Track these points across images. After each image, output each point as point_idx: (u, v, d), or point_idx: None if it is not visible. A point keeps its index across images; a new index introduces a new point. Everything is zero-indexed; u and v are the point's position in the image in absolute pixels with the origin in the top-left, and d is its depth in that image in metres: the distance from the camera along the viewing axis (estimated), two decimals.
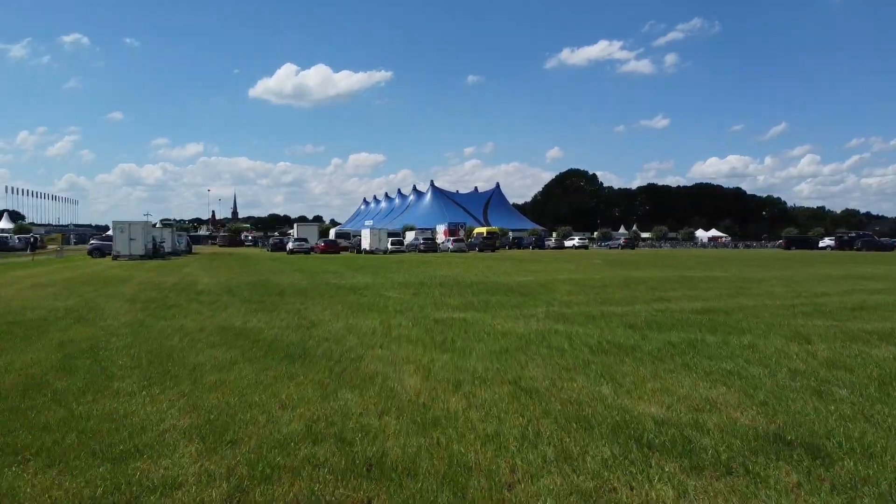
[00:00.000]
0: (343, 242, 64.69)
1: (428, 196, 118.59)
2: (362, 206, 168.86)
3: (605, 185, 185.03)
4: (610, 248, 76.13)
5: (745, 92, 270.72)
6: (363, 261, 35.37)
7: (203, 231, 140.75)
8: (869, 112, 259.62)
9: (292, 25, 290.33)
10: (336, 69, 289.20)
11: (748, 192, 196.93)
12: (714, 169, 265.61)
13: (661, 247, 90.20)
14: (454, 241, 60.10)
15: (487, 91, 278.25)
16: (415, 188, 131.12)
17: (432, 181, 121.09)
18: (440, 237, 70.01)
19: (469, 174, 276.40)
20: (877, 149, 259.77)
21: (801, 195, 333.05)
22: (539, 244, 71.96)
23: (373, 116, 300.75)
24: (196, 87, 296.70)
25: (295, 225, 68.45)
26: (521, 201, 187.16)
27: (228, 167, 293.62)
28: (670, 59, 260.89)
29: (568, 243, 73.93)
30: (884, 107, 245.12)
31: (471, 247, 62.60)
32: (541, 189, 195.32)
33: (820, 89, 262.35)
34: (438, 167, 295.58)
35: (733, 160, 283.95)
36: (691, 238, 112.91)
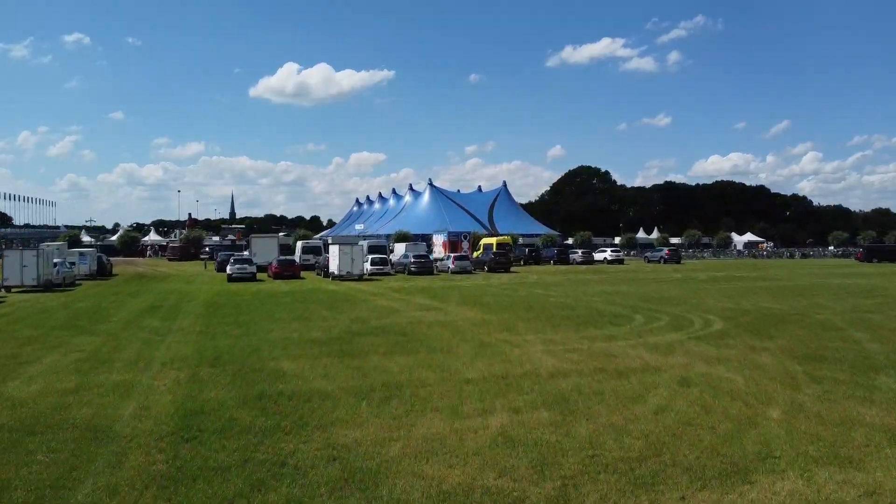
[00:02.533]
0: (311, 260, 49.04)
1: (426, 196, 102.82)
2: (355, 208, 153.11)
3: (617, 184, 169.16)
4: (648, 260, 60.42)
5: (748, 89, 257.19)
6: (286, 310, 19.82)
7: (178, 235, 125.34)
8: (871, 109, 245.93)
9: (294, 24, 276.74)
10: (338, 68, 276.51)
11: (772, 190, 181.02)
12: (716, 167, 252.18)
13: (702, 256, 74.28)
14: (456, 259, 44.30)
15: (489, 89, 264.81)
16: (411, 188, 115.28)
17: (430, 180, 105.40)
18: (438, 250, 54.33)
19: (470, 172, 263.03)
20: (879, 146, 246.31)
21: (803, 192, 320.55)
22: (563, 257, 56.24)
23: (374, 115, 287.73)
24: (197, 86, 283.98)
25: (250, 237, 52.50)
26: (524, 200, 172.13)
27: (230, 166, 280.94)
28: (673, 56, 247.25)
29: (598, 256, 58.11)
30: (886, 104, 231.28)
31: (478, 264, 46.88)
32: (548, 188, 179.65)
33: (823, 87, 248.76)
34: (440, 166, 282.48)
35: (735, 158, 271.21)
36: (727, 243, 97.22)
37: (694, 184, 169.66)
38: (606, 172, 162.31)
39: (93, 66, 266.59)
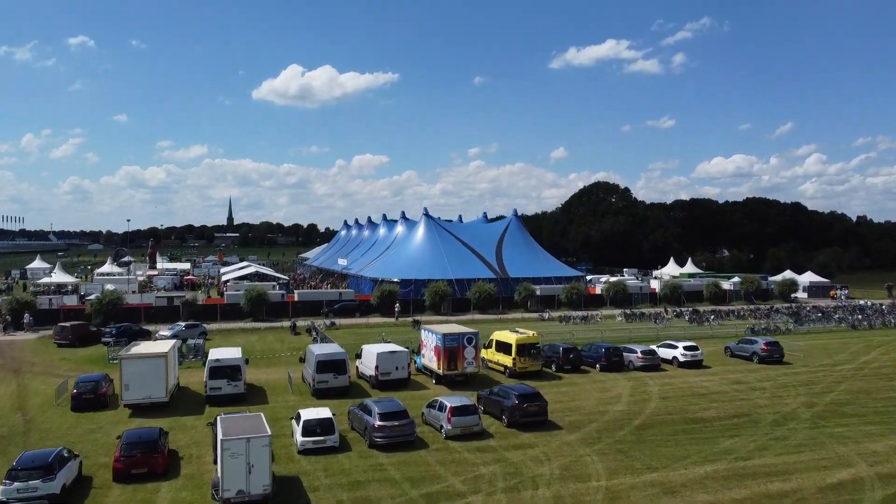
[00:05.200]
0: (221, 389, 30.19)
1: (420, 229, 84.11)
2: (343, 232, 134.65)
3: (636, 199, 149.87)
4: (732, 353, 41.72)
5: (753, 91, 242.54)
6: None
7: (134, 269, 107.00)
8: (876, 111, 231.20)
9: (298, 26, 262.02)
10: (342, 70, 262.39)
11: (808, 207, 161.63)
12: (719, 169, 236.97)
13: (787, 327, 55.36)
14: (455, 412, 25.24)
15: (493, 92, 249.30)
16: (403, 215, 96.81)
17: (426, 210, 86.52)
18: (428, 355, 35.57)
19: (473, 174, 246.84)
20: (883, 147, 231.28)
21: (806, 195, 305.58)
22: (614, 360, 37.41)
23: (378, 118, 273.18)
24: (201, 89, 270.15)
25: (120, 357, 32.21)
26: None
27: (232, 169, 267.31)
28: (678, 58, 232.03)
29: (665, 352, 39.27)
30: (891, 106, 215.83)
31: (492, 407, 28.02)
32: (561, 205, 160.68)
33: (827, 88, 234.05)
34: (442, 168, 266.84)
35: (738, 160, 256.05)
36: (792, 289, 78.27)
37: (723, 201, 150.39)
38: (626, 189, 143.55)
39: (97, 69, 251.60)
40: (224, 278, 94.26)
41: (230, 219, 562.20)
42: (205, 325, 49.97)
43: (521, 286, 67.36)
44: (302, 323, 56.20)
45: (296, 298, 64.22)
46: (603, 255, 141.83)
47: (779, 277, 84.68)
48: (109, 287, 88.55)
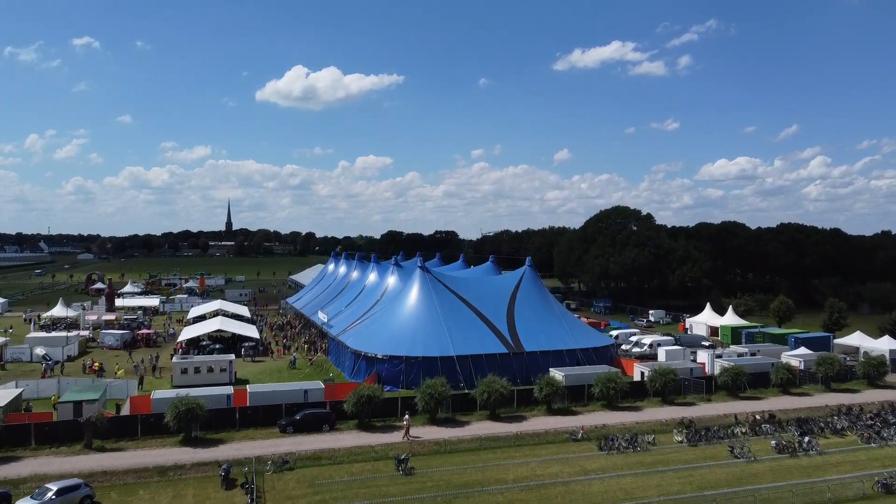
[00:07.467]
0: None
1: (415, 286, 67.88)
2: (331, 266, 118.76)
3: (659, 226, 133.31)
4: None
5: (758, 93, 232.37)
6: None
7: (84, 315, 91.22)
8: (880, 113, 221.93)
9: (303, 28, 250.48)
10: (346, 72, 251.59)
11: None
12: (723, 171, 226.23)
13: None
14: None
15: (497, 93, 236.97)
16: (396, 262, 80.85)
17: (420, 261, 70.37)
18: None
19: (476, 176, 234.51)
20: (888, 150, 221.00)
21: (810, 197, 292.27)
22: None
23: (382, 119, 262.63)
24: (205, 90, 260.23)
25: None
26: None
27: (236, 170, 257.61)
28: (683, 60, 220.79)
29: None
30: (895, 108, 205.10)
31: None
32: (576, 228, 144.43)
33: (832, 91, 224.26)
34: (446, 169, 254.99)
35: (742, 162, 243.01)
36: (881, 369, 61.87)
37: (755, 227, 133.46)
38: (648, 216, 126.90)
39: (101, 70, 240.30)
40: (183, 334, 78.47)
41: (228, 223, 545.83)
42: (89, 487, 33.68)
43: (543, 380, 51.18)
44: (249, 450, 40.47)
45: (248, 402, 48.17)
46: (623, 289, 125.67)
47: (853, 343, 68.58)
48: (39, 350, 73.29)
